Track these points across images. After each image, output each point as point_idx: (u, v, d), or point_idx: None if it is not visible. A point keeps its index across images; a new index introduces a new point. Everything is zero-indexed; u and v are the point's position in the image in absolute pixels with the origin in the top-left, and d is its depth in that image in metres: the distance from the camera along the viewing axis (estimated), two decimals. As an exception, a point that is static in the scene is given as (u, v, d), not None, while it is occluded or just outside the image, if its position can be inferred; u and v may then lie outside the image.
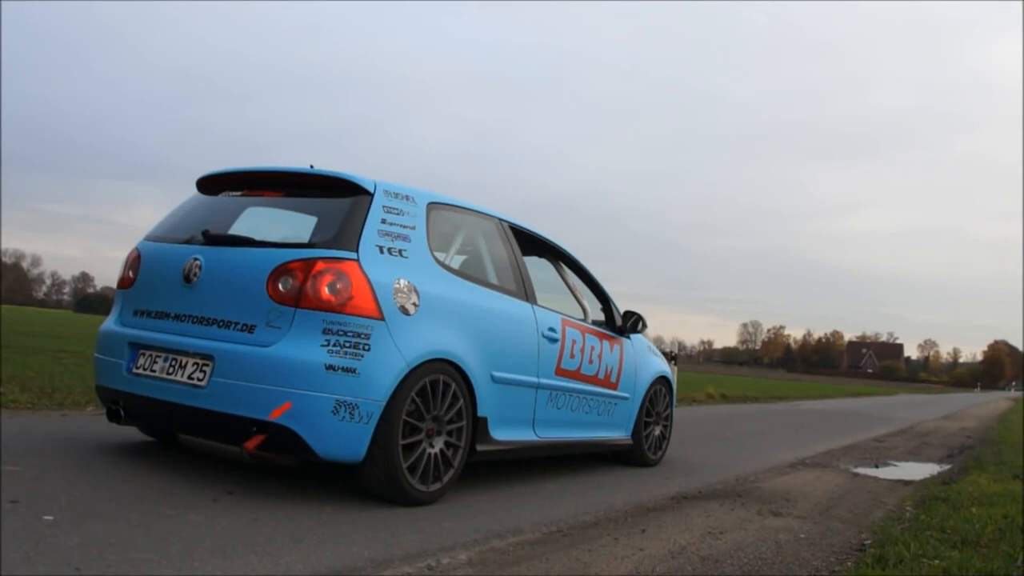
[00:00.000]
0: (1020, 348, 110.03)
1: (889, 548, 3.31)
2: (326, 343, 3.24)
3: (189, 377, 3.37)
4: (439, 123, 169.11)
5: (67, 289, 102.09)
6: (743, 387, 22.86)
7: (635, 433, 5.39)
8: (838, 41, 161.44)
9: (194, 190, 4.14)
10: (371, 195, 3.63)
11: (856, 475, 6.06)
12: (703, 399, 15.51)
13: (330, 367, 3.22)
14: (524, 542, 3.11)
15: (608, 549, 3.12)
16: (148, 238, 3.95)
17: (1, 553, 2.26)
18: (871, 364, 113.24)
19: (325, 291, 3.28)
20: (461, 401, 3.70)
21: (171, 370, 3.44)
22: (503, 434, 4.06)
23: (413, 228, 3.73)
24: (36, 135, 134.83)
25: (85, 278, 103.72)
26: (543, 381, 4.36)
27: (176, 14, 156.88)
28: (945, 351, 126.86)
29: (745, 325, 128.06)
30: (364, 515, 3.24)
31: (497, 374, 3.96)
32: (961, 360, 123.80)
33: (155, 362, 3.52)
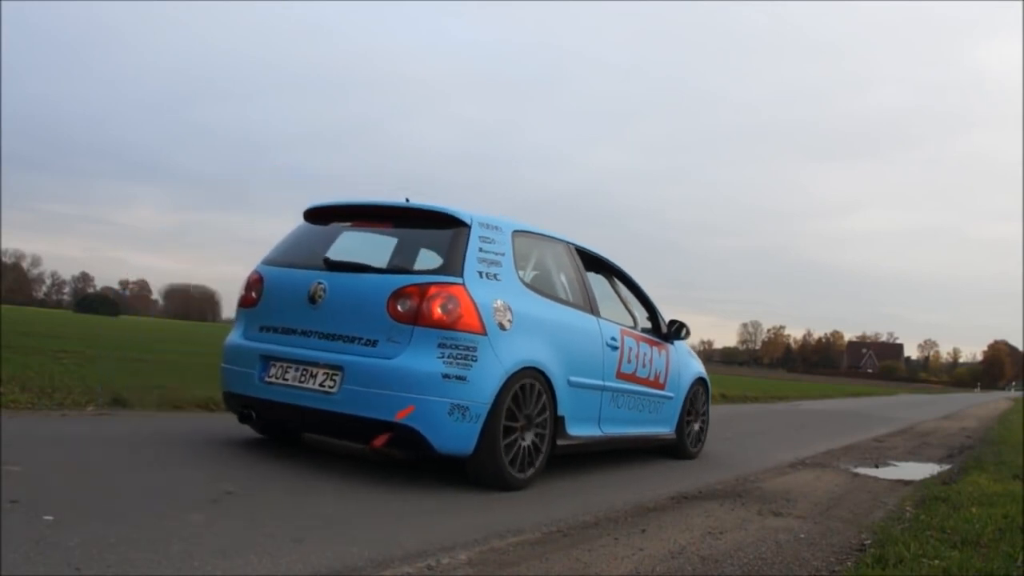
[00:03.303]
0: (1020, 348, 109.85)
1: (889, 548, 3.31)
2: (441, 355, 3.79)
3: (320, 385, 3.89)
4: (439, 123, 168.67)
5: (67, 289, 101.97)
6: (743, 387, 22.86)
7: (678, 429, 5.96)
8: (838, 41, 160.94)
9: (300, 219, 4.68)
10: (468, 227, 4.16)
11: (856, 475, 6.06)
12: (703, 399, 15.48)
13: (445, 375, 3.77)
14: (524, 542, 3.11)
15: (608, 549, 3.12)
16: (266, 262, 4.48)
17: (1, 553, 2.26)
18: (871, 364, 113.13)
19: (438, 311, 3.83)
20: (545, 402, 4.24)
21: (303, 379, 3.96)
22: (576, 430, 4.60)
23: (503, 254, 4.27)
24: (36, 135, 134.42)
25: (85, 278, 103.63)
26: (607, 384, 4.93)
27: (176, 14, 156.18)
28: (945, 351, 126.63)
29: (745, 325, 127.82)
30: (364, 515, 3.25)
31: (572, 379, 4.51)
32: (961, 360, 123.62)
33: (287, 372, 4.02)
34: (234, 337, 4.41)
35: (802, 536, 3.67)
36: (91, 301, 77.71)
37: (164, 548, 2.49)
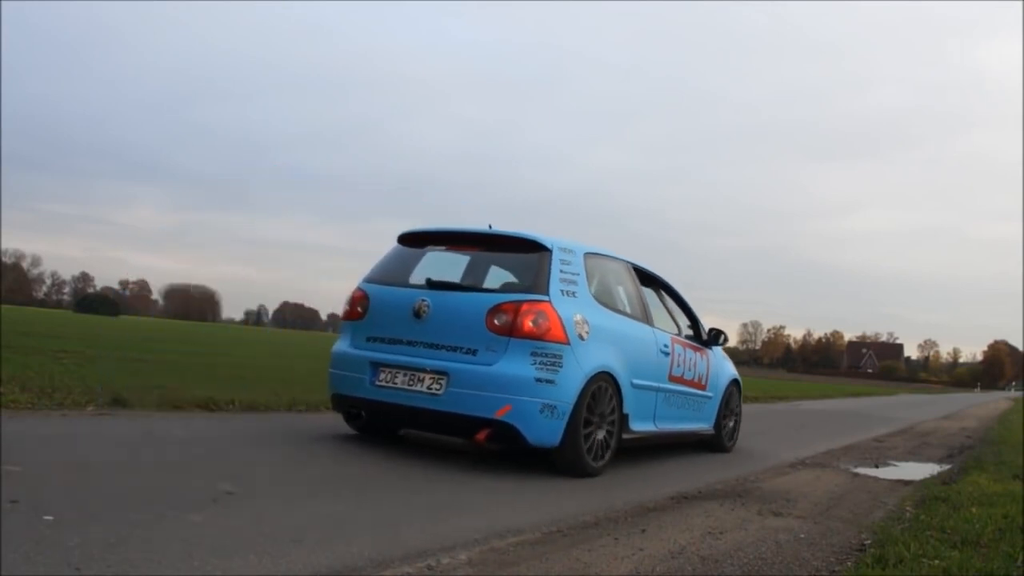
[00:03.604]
0: (1020, 348, 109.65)
1: (889, 548, 3.31)
2: (533, 362, 4.41)
3: (428, 388, 4.50)
4: (439, 123, 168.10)
5: (67, 289, 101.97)
6: (743, 387, 22.83)
7: (716, 425, 6.69)
8: (838, 41, 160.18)
9: (395, 243, 5.31)
10: (550, 251, 4.77)
11: (856, 475, 6.06)
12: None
13: (537, 379, 4.39)
14: (524, 542, 3.11)
15: (608, 549, 3.12)
16: (368, 281, 5.09)
17: (1, 553, 2.26)
18: (871, 364, 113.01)
19: (530, 325, 4.45)
20: (614, 402, 4.87)
21: (411, 382, 4.56)
22: (637, 426, 5.25)
23: (578, 274, 4.88)
24: (36, 135, 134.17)
25: (85, 278, 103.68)
26: (661, 386, 5.61)
27: (176, 14, 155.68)
28: (945, 351, 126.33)
29: (745, 325, 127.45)
30: (363, 515, 3.25)
31: (635, 381, 5.15)
32: (961, 360, 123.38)
33: (396, 377, 4.62)
34: (342, 346, 5.00)
35: (802, 536, 3.67)
36: (91, 301, 77.64)
37: (164, 548, 2.49)
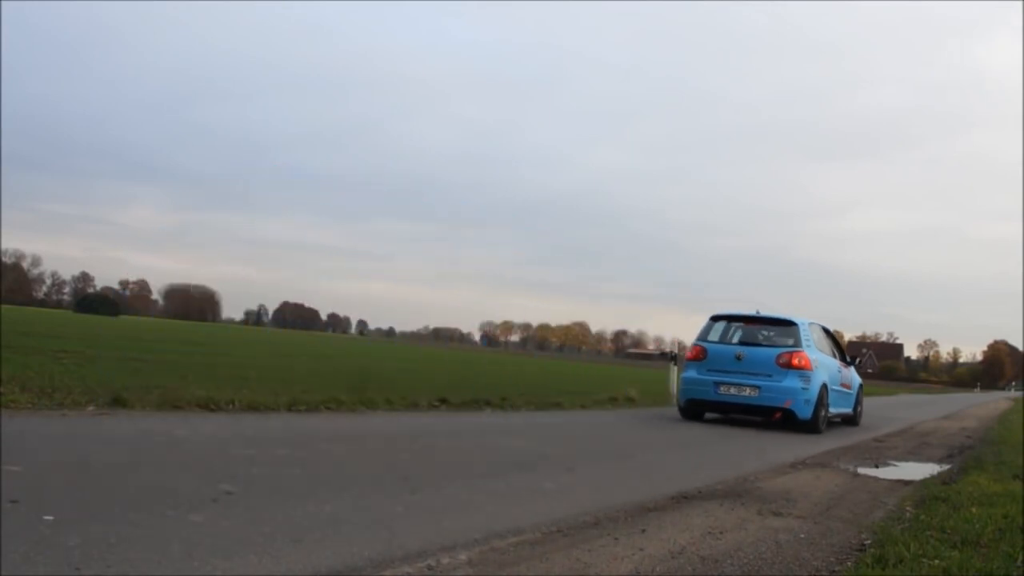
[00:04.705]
0: (1020, 348, 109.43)
1: (889, 548, 3.31)
2: (800, 380, 9.36)
3: (748, 394, 9.40)
4: (439, 123, 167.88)
5: (67, 289, 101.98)
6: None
7: (854, 410, 11.64)
8: (838, 41, 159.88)
9: (706, 319, 10.43)
10: (798, 325, 9.80)
11: (856, 475, 6.05)
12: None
13: (802, 388, 9.34)
14: (524, 542, 3.11)
15: (608, 549, 3.12)
16: (700, 339, 10.10)
17: (1, 553, 2.26)
18: (871, 364, 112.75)
19: (797, 362, 9.40)
20: (826, 397, 9.72)
21: (739, 391, 9.43)
22: (831, 410, 10.07)
23: (809, 335, 9.86)
24: (36, 135, 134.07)
25: (85, 278, 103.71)
26: (837, 388, 10.45)
27: (176, 14, 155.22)
28: (945, 351, 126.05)
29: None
30: (364, 515, 3.24)
31: (831, 387, 10.02)
32: (961, 360, 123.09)
33: (729, 389, 9.47)
34: (692, 374, 9.80)
35: (802, 536, 3.67)
36: (91, 301, 77.66)
37: (164, 548, 2.49)
